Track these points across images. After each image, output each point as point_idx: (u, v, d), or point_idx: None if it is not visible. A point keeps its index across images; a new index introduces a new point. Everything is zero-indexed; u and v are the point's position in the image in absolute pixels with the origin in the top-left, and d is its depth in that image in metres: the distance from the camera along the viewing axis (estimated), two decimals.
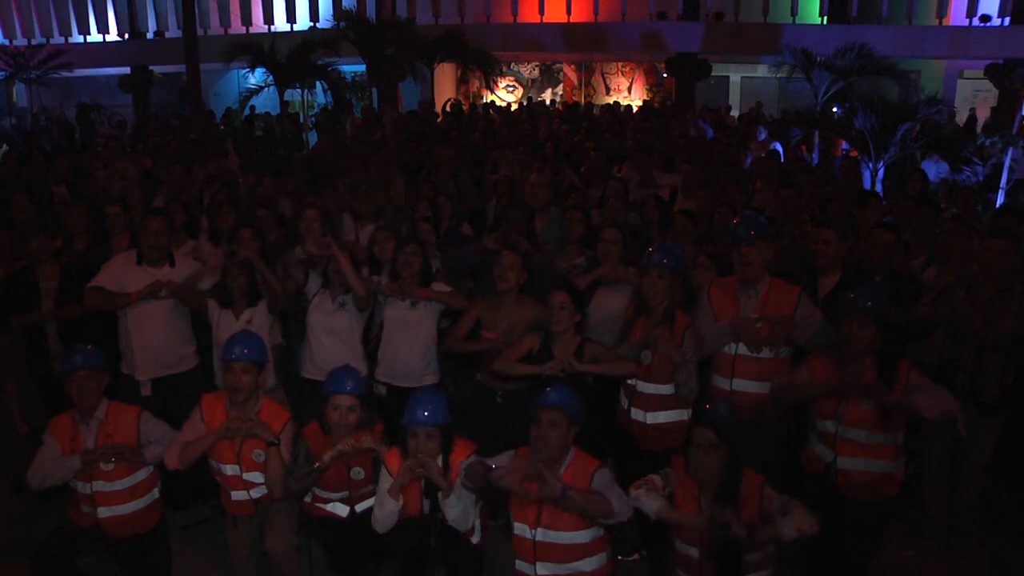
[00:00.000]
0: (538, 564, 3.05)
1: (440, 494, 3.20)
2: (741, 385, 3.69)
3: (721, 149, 8.91)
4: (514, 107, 16.31)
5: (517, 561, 3.14)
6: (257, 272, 4.27)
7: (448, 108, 15.03)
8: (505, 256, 3.98)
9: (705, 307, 3.78)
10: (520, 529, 3.08)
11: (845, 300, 3.33)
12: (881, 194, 7.39)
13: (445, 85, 18.30)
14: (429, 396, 3.31)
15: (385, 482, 3.28)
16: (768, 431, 3.69)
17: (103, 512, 3.42)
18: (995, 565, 4.10)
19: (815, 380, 3.36)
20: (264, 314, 4.32)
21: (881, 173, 8.83)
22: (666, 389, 3.64)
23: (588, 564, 3.05)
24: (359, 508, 3.57)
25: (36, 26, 23.11)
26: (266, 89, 14.19)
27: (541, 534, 3.02)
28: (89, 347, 3.50)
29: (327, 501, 3.58)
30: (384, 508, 3.26)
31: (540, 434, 2.96)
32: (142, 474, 3.49)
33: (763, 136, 11.01)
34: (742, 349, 3.67)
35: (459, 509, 3.20)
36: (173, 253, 4.47)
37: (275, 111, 15.51)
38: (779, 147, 10.16)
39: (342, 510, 3.58)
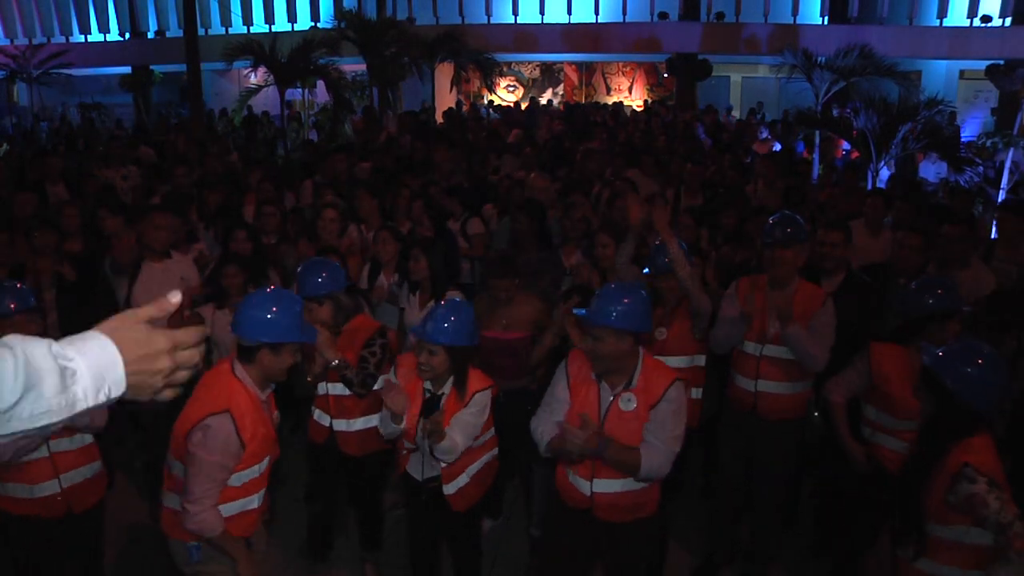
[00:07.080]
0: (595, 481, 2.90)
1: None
2: (765, 386, 3.60)
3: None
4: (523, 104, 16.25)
5: (570, 475, 2.95)
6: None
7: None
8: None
9: (731, 298, 3.65)
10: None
11: (926, 302, 3.19)
12: None
13: (445, 85, 18.27)
14: (445, 311, 3.01)
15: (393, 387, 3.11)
16: (791, 432, 3.67)
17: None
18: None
19: (883, 373, 3.25)
20: None
21: (883, 173, 8.84)
22: (680, 362, 3.57)
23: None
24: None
25: (37, 25, 23.11)
26: (266, 89, 14.16)
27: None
28: None
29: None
30: (387, 428, 3.15)
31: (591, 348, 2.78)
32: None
33: (764, 136, 11.02)
34: (767, 351, 3.57)
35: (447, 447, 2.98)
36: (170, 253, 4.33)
37: (275, 111, 15.48)
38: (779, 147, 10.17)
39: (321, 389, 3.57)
